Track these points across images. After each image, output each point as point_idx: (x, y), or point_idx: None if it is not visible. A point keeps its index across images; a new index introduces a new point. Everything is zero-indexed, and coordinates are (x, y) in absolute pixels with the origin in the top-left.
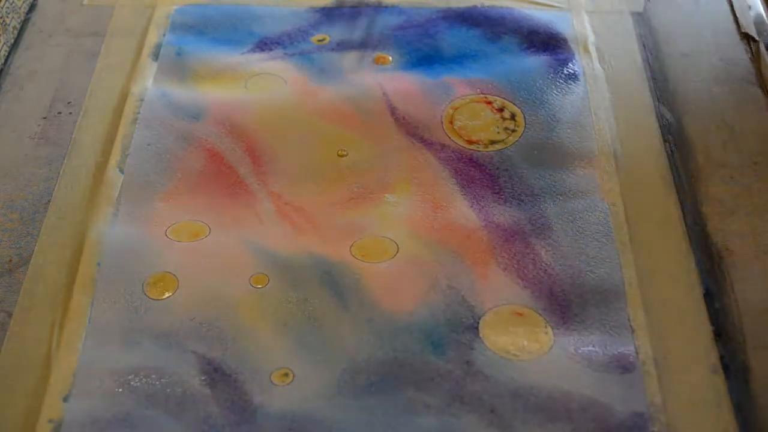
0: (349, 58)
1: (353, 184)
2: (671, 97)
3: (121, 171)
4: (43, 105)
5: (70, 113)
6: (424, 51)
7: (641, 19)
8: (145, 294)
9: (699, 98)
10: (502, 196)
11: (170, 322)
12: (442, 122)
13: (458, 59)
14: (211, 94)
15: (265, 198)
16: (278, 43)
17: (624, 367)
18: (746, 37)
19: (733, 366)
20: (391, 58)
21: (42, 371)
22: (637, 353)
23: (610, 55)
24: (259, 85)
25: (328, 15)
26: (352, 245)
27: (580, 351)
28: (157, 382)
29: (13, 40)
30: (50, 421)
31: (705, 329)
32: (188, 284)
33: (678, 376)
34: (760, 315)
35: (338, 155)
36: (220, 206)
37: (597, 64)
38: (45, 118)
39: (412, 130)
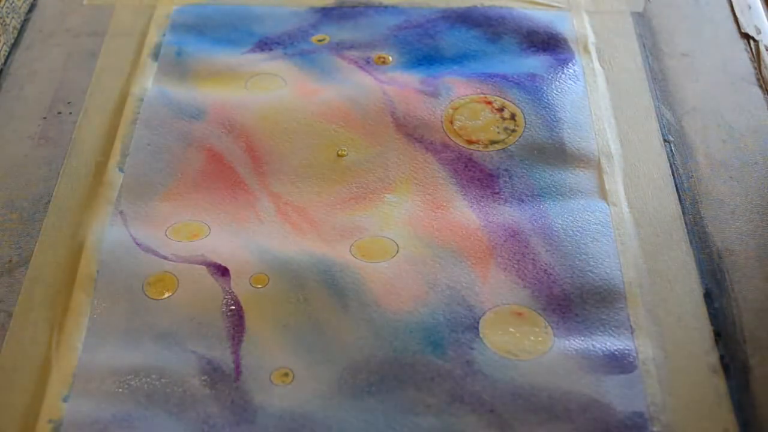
0: (349, 58)
1: (353, 184)
2: (671, 97)
3: (121, 171)
4: (43, 105)
5: (70, 113)
6: (424, 51)
7: (641, 19)
8: (145, 294)
9: (699, 98)
10: (502, 196)
11: (170, 322)
12: (442, 122)
13: (458, 59)
14: (211, 94)
15: (265, 198)
16: (278, 43)
17: (624, 367)
18: (746, 37)
19: (733, 366)
20: (391, 58)
21: (42, 371)
22: (637, 353)
23: (610, 55)
24: (259, 85)
25: (328, 15)
26: (352, 245)
27: (580, 351)
28: (157, 382)
29: (13, 40)
30: (50, 421)
31: (705, 329)
32: (188, 284)
33: (678, 376)
34: (760, 315)
35: (338, 155)
36: (220, 206)
37: (597, 64)
38: (45, 118)
39: (411, 130)
